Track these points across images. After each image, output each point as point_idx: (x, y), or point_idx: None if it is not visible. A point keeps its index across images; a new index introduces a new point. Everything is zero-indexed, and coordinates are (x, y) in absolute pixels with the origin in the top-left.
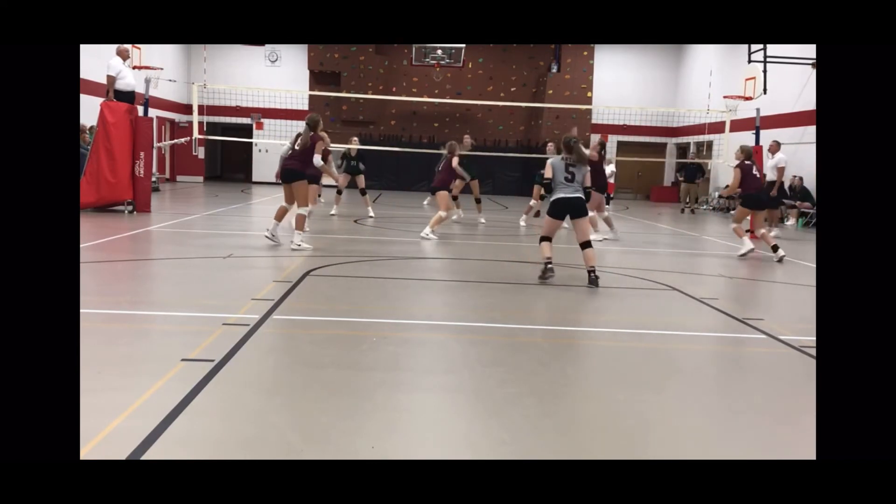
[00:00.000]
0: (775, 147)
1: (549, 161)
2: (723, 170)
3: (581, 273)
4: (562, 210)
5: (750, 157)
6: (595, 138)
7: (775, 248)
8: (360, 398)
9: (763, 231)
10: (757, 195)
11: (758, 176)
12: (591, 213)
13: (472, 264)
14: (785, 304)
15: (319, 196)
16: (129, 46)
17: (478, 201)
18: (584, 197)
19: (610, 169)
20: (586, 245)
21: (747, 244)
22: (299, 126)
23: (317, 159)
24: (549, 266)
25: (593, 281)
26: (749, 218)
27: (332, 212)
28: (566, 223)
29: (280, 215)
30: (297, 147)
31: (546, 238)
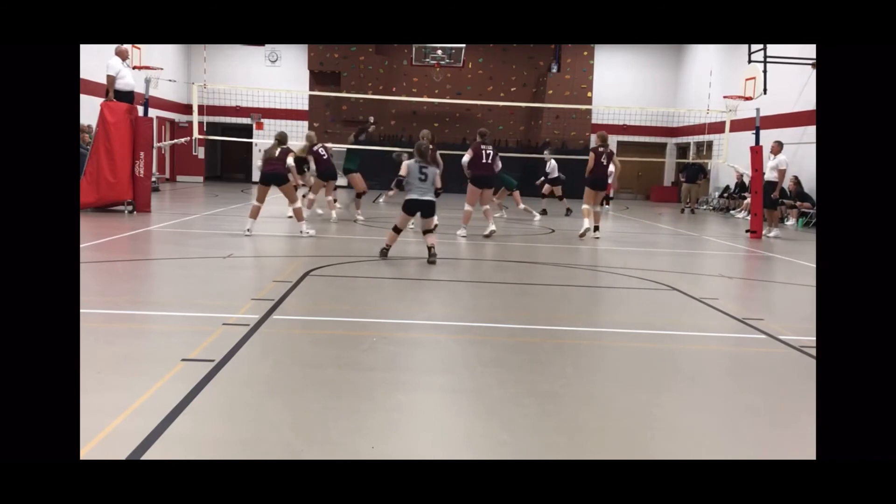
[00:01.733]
0: (777, 148)
1: (405, 162)
2: (723, 169)
3: (584, 273)
4: (413, 208)
5: (605, 143)
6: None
7: (528, 211)
8: (359, 398)
9: (487, 208)
10: (599, 179)
11: (604, 164)
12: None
13: (472, 264)
14: (785, 304)
15: (334, 200)
16: (128, 46)
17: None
18: (434, 199)
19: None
20: (428, 232)
21: (586, 224)
22: (300, 125)
23: (289, 161)
24: (386, 251)
25: (432, 256)
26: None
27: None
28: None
29: (256, 213)
30: (277, 155)
31: (397, 230)
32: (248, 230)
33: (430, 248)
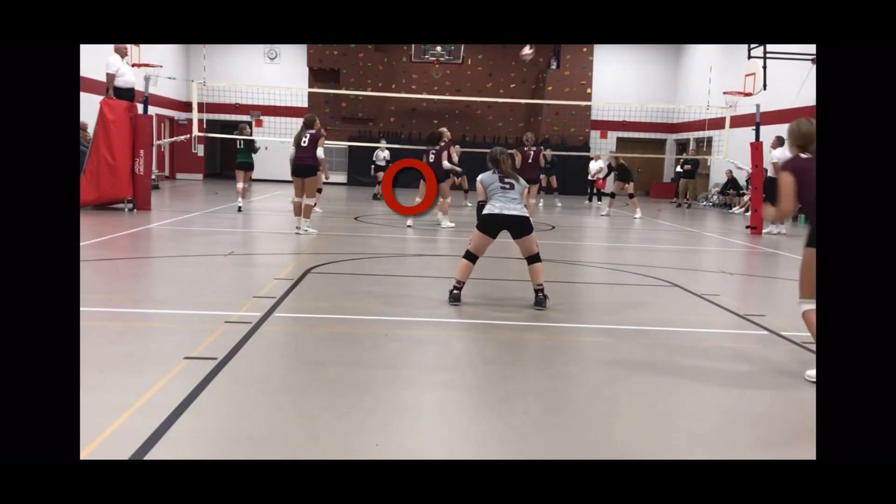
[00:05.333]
0: (776, 143)
1: (478, 178)
2: (723, 166)
3: (585, 270)
4: (495, 226)
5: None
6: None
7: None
8: (362, 396)
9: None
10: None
11: (530, 163)
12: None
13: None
14: (786, 300)
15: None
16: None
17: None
18: (526, 214)
19: (598, 165)
20: (532, 260)
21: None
22: (299, 123)
23: (320, 152)
24: (458, 292)
25: (540, 300)
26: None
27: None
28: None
29: (299, 210)
30: (304, 144)
31: (471, 257)
32: (297, 228)
33: (537, 291)
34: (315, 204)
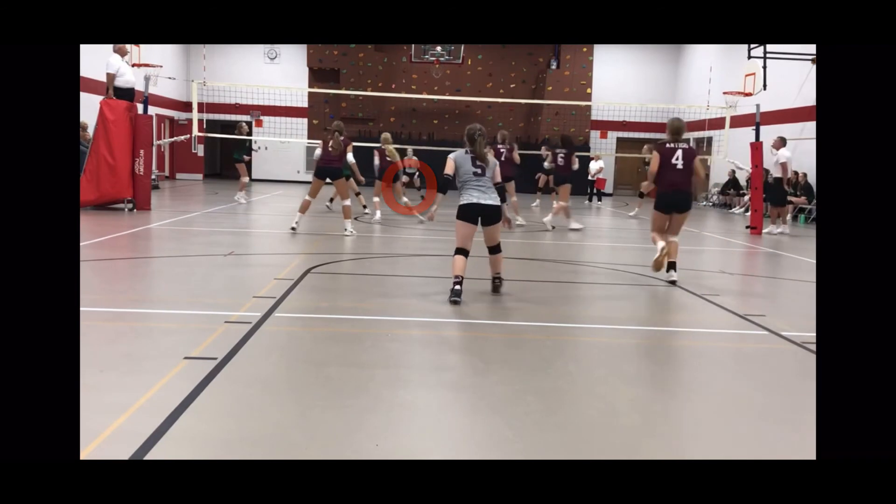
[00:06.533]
0: (779, 143)
1: (450, 156)
2: (723, 166)
3: (585, 270)
4: (472, 215)
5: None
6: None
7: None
8: (362, 396)
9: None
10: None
11: (502, 161)
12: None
13: (472, 261)
14: (787, 300)
15: (358, 194)
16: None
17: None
18: (499, 203)
19: (598, 165)
20: (494, 251)
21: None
22: (299, 123)
23: (350, 157)
24: (459, 289)
25: (497, 285)
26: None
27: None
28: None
29: (305, 208)
30: (331, 149)
31: (463, 252)
32: (297, 224)
33: (495, 278)
34: (365, 206)
